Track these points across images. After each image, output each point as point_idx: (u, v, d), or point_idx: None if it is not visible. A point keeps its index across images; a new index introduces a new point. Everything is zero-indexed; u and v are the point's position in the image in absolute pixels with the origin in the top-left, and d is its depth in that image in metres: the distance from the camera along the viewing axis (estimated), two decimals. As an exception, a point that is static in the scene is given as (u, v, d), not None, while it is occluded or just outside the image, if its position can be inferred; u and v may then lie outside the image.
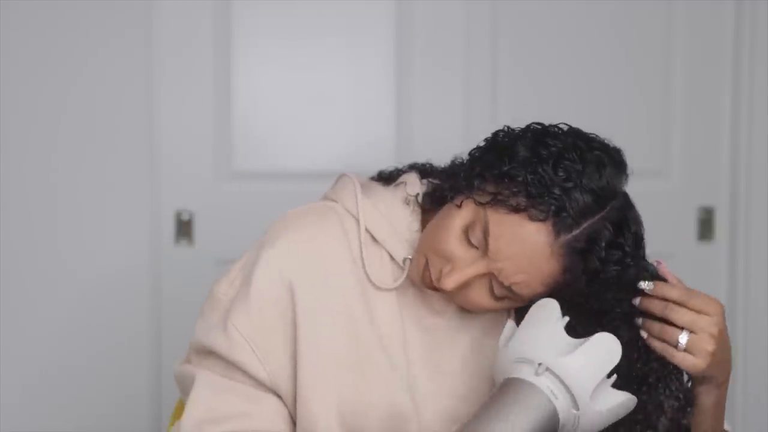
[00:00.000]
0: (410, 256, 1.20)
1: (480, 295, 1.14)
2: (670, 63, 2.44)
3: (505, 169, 1.10)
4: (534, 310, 1.12)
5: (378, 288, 1.21)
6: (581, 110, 2.21)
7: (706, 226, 2.49)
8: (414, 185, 1.25)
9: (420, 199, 1.24)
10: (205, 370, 1.21)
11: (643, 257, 1.16)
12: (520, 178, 1.09)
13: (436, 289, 1.16)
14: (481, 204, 1.11)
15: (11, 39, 2.19)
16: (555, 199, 1.07)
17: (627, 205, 1.14)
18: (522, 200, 1.08)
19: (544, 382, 1.06)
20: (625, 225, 1.11)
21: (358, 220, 1.22)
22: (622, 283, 1.12)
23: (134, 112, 2.25)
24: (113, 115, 2.24)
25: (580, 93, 2.38)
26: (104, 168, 2.24)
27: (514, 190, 1.09)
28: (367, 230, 1.22)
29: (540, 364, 1.06)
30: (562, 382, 1.06)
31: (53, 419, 2.25)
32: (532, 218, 1.07)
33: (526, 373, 1.07)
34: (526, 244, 1.08)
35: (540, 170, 1.08)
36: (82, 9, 2.22)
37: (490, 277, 1.12)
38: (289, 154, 2.31)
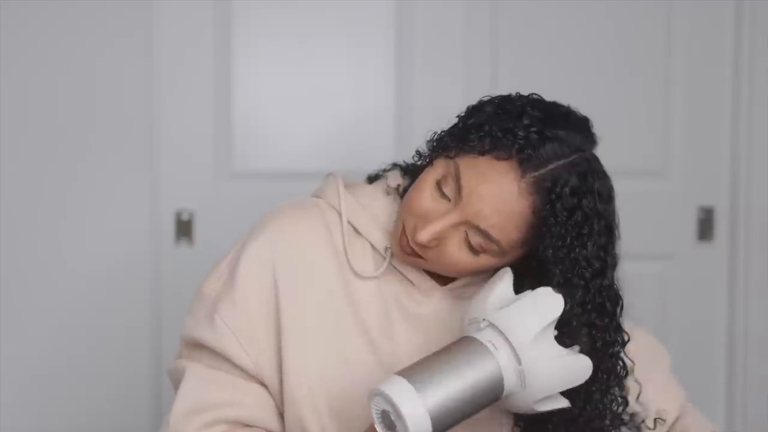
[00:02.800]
0: (391, 245, 1.23)
1: (456, 251, 1.15)
2: (670, 63, 2.44)
3: (471, 122, 1.16)
4: (491, 278, 1.15)
5: (360, 277, 1.22)
6: (581, 110, 2.21)
7: (706, 226, 2.49)
8: (395, 178, 1.29)
9: (401, 190, 1.27)
10: (195, 363, 1.23)
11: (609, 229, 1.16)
12: (486, 127, 1.14)
13: (414, 254, 1.17)
14: (450, 157, 1.15)
15: (13, 40, 2.20)
16: (519, 139, 1.11)
17: (596, 163, 1.16)
18: (487, 143, 1.13)
19: (485, 336, 1.07)
20: (593, 177, 1.13)
21: (340, 214, 1.24)
22: (588, 238, 1.13)
23: (135, 112, 2.25)
24: (114, 115, 2.25)
25: (580, 93, 2.36)
26: (105, 168, 2.25)
27: (480, 134, 1.14)
28: (349, 222, 1.24)
29: (483, 320, 1.09)
30: (501, 333, 1.07)
31: (53, 418, 2.25)
32: (499, 158, 1.12)
33: (471, 330, 1.10)
34: (495, 181, 1.11)
35: (504, 118, 1.14)
36: (83, 10, 2.22)
37: (465, 228, 1.14)
38: (289, 154, 2.31)
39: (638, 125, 2.43)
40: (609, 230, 1.15)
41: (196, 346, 1.24)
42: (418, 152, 1.25)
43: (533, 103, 1.17)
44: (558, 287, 1.11)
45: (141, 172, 2.26)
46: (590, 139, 1.18)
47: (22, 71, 2.21)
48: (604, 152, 1.21)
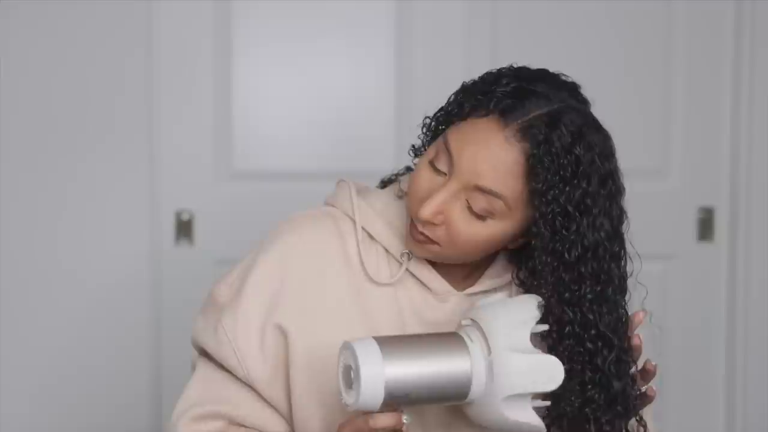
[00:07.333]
0: (407, 250, 1.22)
1: (463, 222, 1.14)
2: (670, 63, 2.44)
3: (452, 99, 1.21)
4: (520, 297, 1.14)
5: (376, 284, 1.22)
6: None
7: (706, 227, 2.49)
8: (407, 182, 1.27)
9: None
10: (204, 362, 1.25)
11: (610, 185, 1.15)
12: (465, 96, 1.18)
13: (427, 240, 1.16)
14: (439, 135, 1.18)
15: (12, 40, 2.20)
16: (500, 93, 1.14)
17: (586, 116, 1.17)
18: (469, 105, 1.16)
19: (466, 331, 1.09)
20: (586, 127, 1.14)
21: (354, 221, 1.24)
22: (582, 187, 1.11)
23: (134, 112, 2.25)
24: (113, 115, 2.25)
25: (580, 93, 2.38)
26: (104, 168, 2.25)
27: (461, 99, 1.18)
28: (363, 229, 1.24)
29: (469, 319, 1.10)
30: (479, 326, 1.08)
31: (52, 418, 2.25)
32: (479, 116, 1.14)
33: (468, 337, 1.09)
34: (480, 137, 1.13)
35: (482, 85, 1.18)
36: (82, 9, 2.22)
37: (465, 195, 1.13)
38: (289, 154, 2.32)
39: (638, 125, 2.43)
40: (605, 184, 1.13)
41: (202, 350, 1.26)
42: (413, 147, 1.26)
43: (513, 68, 1.21)
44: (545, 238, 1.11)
45: (141, 172, 2.26)
46: (578, 99, 1.19)
47: (21, 71, 2.21)
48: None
